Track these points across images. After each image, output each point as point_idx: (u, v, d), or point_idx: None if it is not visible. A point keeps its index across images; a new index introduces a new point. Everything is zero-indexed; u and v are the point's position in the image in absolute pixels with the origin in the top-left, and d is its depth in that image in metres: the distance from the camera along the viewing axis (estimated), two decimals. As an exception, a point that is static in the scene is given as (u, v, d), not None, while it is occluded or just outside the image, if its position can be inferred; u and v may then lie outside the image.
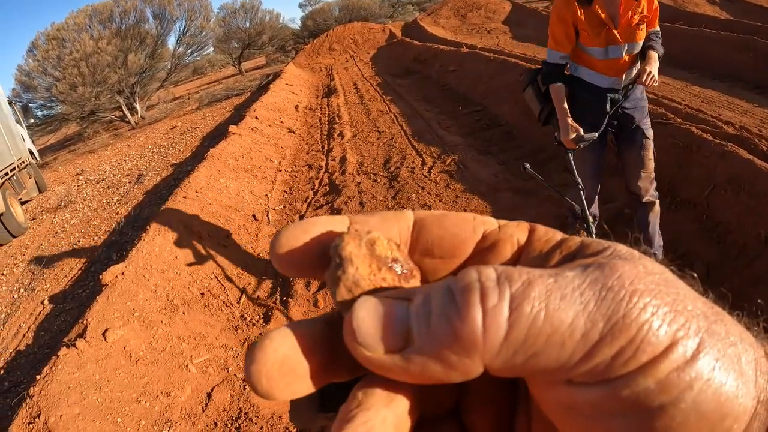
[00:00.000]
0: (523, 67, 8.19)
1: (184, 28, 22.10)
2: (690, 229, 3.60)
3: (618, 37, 2.87)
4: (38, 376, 3.00)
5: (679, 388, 0.20)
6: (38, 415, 2.72)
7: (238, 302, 3.96)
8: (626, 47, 2.90)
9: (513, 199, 4.78)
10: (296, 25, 39.28)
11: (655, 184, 3.17)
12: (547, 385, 0.22)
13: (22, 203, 9.10)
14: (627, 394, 0.20)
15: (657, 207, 3.16)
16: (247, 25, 31.08)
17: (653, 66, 2.82)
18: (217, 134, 10.49)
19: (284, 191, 6.50)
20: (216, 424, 2.83)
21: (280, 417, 2.85)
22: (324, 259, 0.26)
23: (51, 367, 3.02)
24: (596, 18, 2.87)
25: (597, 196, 3.37)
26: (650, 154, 3.07)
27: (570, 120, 2.93)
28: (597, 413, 0.21)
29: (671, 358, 0.20)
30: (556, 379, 0.22)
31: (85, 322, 3.39)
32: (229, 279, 4.28)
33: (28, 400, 2.85)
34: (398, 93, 11.23)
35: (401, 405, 0.24)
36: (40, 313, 4.95)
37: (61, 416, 2.70)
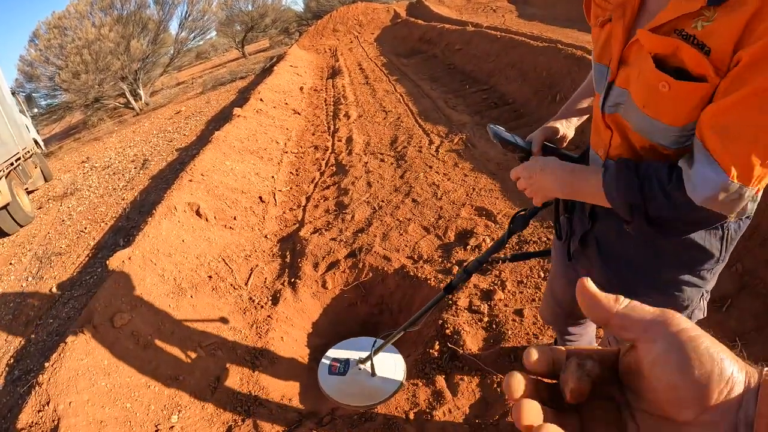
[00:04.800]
0: (530, 45, 8.06)
1: (186, 12, 21.96)
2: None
3: (614, 46, 1.15)
4: (47, 364, 2.97)
5: None
6: (47, 403, 2.70)
7: (246, 284, 3.92)
8: (611, 91, 1.20)
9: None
10: (299, 6, 38.96)
11: None
12: None
13: (29, 193, 9.08)
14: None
15: None
16: (250, 7, 30.80)
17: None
18: (222, 117, 10.42)
19: (291, 172, 6.44)
20: (225, 407, 2.80)
21: (290, 399, 2.82)
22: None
23: (59, 355, 2.99)
24: None
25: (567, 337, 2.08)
26: None
27: (545, 128, 1.58)
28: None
29: None
30: None
31: (92, 308, 3.35)
32: (236, 261, 4.24)
33: (37, 387, 2.82)
34: (404, 73, 11.10)
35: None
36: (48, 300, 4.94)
37: (70, 403, 2.67)
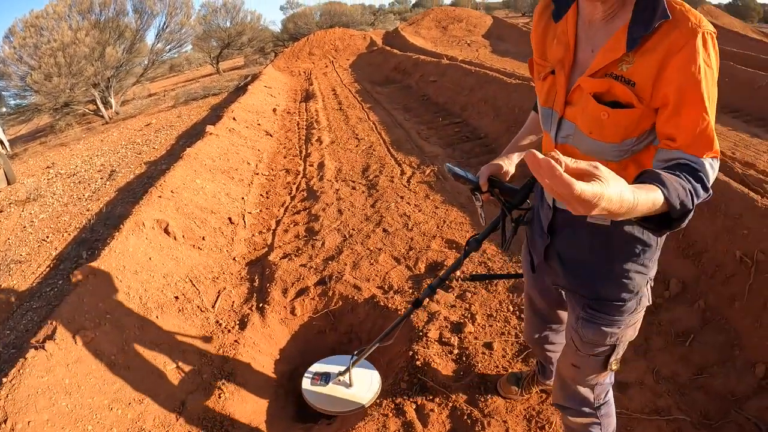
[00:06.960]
0: (504, 81, 8.26)
1: (164, 23, 21.81)
2: (666, 248, 3.66)
3: (558, 92, 1.47)
4: (5, 379, 2.89)
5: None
6: (5, 421, 2.63)
7: (213, 307, 3.90)
8: (561, 125, 1.49)
9: (494, 211, 4.79)
10: (277, 27, 39.10)
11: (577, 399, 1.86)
12: None
13: (-11, 195, 8.86)
14: None
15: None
16: (228, 24, 30.77)
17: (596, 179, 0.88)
18: (194, 133, 10.34)
19: (261, 195, 6.43)
20: (190, 433, 2.77)
21: (256, 426, 2.81)
22: None
23: (19, 370, 2.91)
24: (552, 40, 1.52)
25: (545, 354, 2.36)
26: (575, 358, 1.75)
27: (490, 165, 1.87)
28: None
29: None
30: None
31: (54, 322, 3.28)
32: (203, 283, 4.21)
33: (-7, 403, 2.75)
34: (377, 101, 11.23)
35: None
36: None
37: (29, 422, 2.61)
